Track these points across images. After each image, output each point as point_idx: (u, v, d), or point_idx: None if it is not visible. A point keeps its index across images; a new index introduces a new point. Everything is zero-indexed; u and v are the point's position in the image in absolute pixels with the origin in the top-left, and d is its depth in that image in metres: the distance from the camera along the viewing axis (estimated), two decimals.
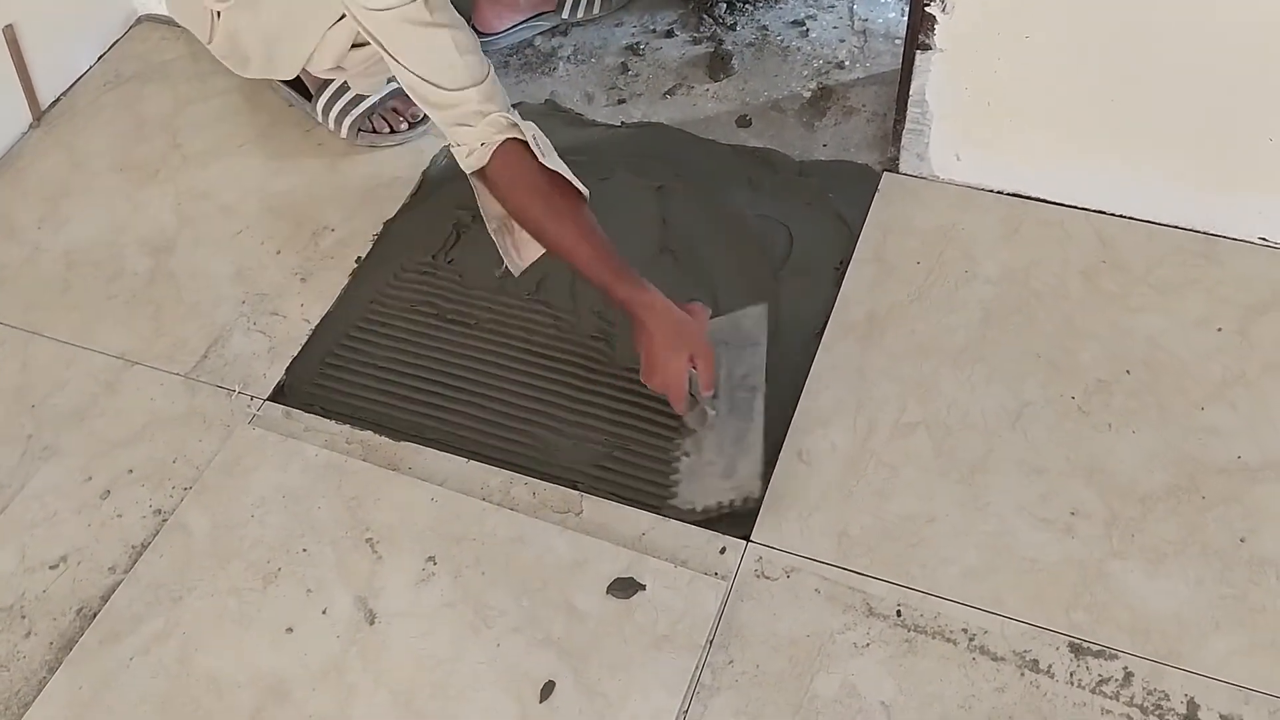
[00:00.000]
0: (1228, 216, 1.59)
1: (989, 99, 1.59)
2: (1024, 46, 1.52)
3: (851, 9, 2.01)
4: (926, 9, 1.52)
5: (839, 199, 1.72)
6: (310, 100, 1.88)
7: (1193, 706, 1.23)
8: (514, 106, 1.90)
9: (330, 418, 1.56)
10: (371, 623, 1.36)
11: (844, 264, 1.63)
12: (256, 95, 1.97)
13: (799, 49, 1.96)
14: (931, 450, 1.44)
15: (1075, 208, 1.65)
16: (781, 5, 2.03)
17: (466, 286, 1.67)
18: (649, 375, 1.43)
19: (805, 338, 1.56)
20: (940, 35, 1.54)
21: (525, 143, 1.44)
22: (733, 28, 2.00)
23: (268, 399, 1.59)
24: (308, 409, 1.57)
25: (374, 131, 1.87)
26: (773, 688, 1.28)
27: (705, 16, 2.02)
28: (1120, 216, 1.64)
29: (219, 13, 1.71)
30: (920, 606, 1.32)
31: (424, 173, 1.84)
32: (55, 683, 1.35)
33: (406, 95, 1.87)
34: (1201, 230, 1.61)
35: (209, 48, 1.80)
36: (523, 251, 1.54)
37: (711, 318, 1.48)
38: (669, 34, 2.02)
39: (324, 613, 1.37)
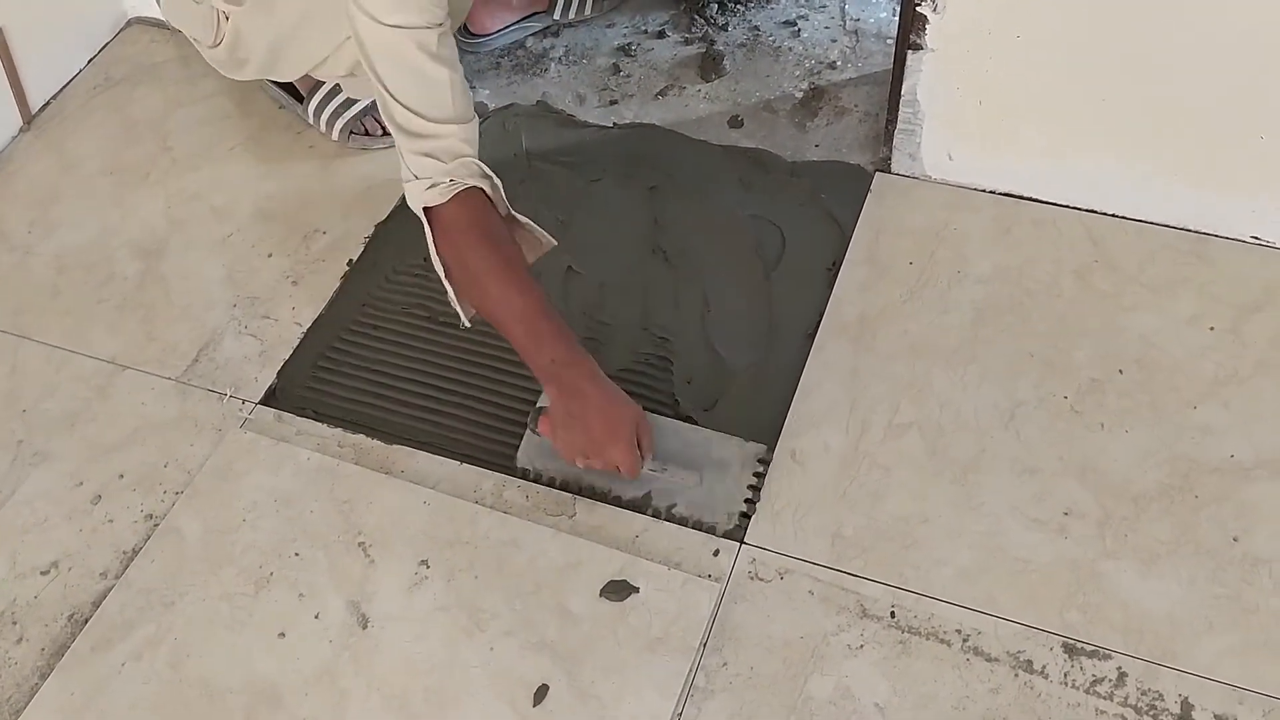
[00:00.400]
0: (1219, 215, 1.59)
1: (981, 98, 1.59)
2: (1015, 46, 1.51)
3: (843, 9, 2.01)
4: (917, 9, 1.52)
5: (831, 199, 1.72)
6: (301, 103, 1.88)
7: (1186, 706, 1.23)
8: (505, 107, 1.92)
9: (322, 421, 1.55)
10: (364, 627, 1.36)
11: (836, 264, 1.63)
12: (247, 98, 1.97)
13: (791, 49, 1.96)
14: (925, 451, 1.44)
15: (1067, 207, 1.65)
16: (773, 5, 2.03)
17: None
18: (589, 448, 1.36)
19: (798, 338, 1.56)
20: (931, 35, 1.54)
21: (490, 194, 1.40)
22: (724, 28, 2.00)
23: (259, 403, 1.58)
24: (299, 412, 1.57)
25: (365, 134, 1.87)
26: (767, 690, 1.27)
27: (697, 17, 2.02)
28: (1112, 215, 1.64)
29: (226, 15, 1.70)
30: (914, 608, 1.32)
31: None
32: (47, 689, 1.35)
33: None
34: (1193, 229, 1.61)
35: (203, 50, 1.80)
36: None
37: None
38: (661, 35, 2.02)
39: (316, 617, 1.37)
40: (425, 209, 1.39)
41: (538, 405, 1.45)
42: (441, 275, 1.42)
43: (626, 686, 1.28)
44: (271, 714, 1.30)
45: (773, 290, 1.62)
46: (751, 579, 1.36)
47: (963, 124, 1.63)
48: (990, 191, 1.69)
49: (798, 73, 1.92)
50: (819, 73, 1.91)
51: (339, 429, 1.54)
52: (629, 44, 2.01)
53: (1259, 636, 1.27)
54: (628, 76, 1.96)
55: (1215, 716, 1.22)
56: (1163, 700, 1.23)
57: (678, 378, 1.54)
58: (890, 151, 1.71)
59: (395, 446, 1.51)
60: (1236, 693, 1.23)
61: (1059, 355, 1.51)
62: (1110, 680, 1.25)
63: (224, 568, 1.42)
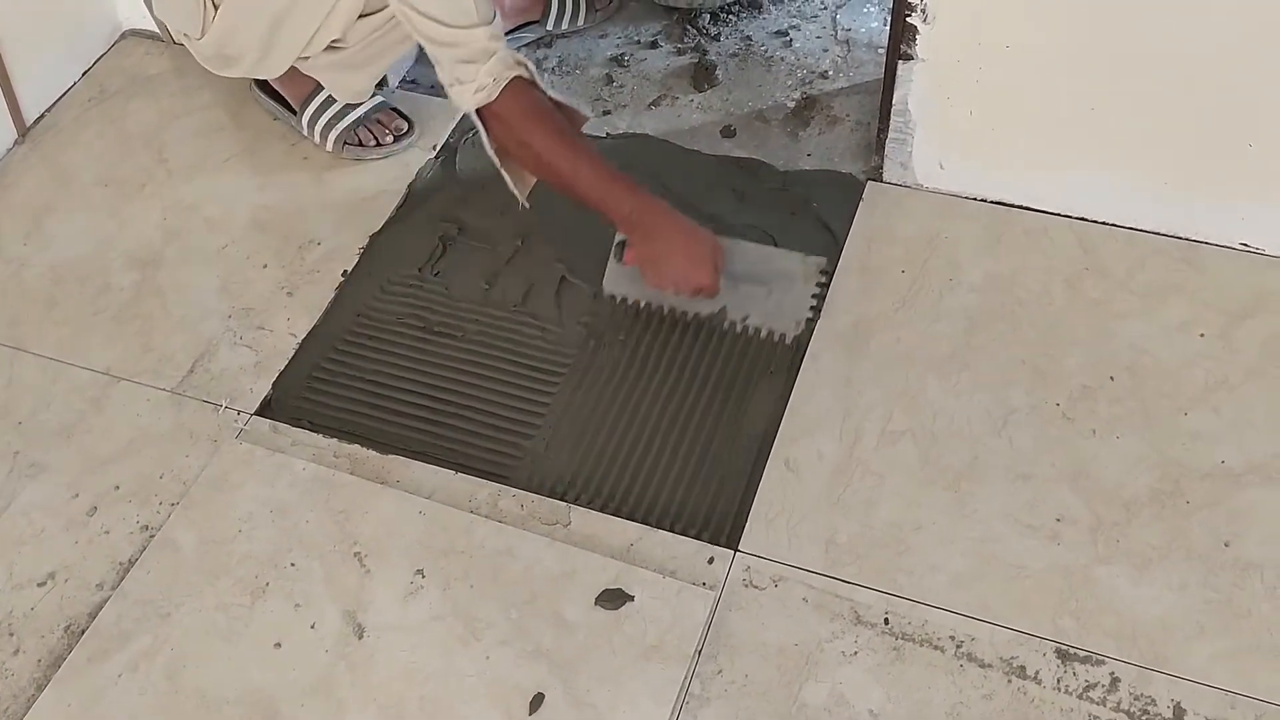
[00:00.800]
0: (1209, 222, 1.60)
1: (971, 108, 1.60)
2: (1005, 56, 1.53)
3: (835, 19, 2.02)
4: (908, 19, 1.53)
5: (823, 208, 1.73)
6: (295, 114, 1.88)
7: (1179, 711, 1.23)
8: None
9: (318, 431, 1.56)
10: (360, 637, 1.36)
11: (829, 273, 1.64)
12: (241, 109, 1.97)
13: (783, 59, 1.97)
14: (918, 458, 1.45)
15: (1058, 215, 1.66)
16: (765, 16, 2.04)
17: (453, 299, 1.68)
18: (678, 277, 1.52)
19: (791, 347, 1.57)
20: (922, 45, 1.55)
21: (530, 78, 1.51)
22: (716, 38, 2.01)
23: (255, 413, 1.59)
24: (295, 423, 1.57)
25: (359, 145, 1.87)
26: (761, 697, 1.28)
27: (689, 27, 2.03)
28: (1103, 223, 1.65)
29: (217, 5, 1.71)
30: (908, 614, 1.33)
31: (410, 186, 1.84)
32: (43, 700, 1.35)
33: (392, 108, 1.90)
34: (1183, 236, 1.62)
35: (191, 46, 1.80)
36: (528, 176, 1.59)
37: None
38: (653, 45, 2.03)
39: (312, 627, 1.37)
40: (475, 110, 1.51)
41: (617, 239, 1.59)
42: (497, 164, 1.56)
43: (622, 694, 1.28)
44: None
45: None
46: (746, 586, 1.36)
47: (954, 133, 1.64)
48: (981, 200, 1.70)
49: (790, 82, 1.93)
50: (811, 82, 1.93)
51: (334, 439, 1.54)
52: (622, 54, 2.01)
53: (1250, 641, 1.28)
54: (621, 87, 1.97)
55: None
56: (1155, 705, 1.24)
57: None
58: (882, 160, 1.72)
59: (390, 457, 1.52)
60: (1229, 697, 1.24)
61: (1050, 363, 1.52)
62: (1103, 685, 1.26)
63: (220, 578, 1.42)
